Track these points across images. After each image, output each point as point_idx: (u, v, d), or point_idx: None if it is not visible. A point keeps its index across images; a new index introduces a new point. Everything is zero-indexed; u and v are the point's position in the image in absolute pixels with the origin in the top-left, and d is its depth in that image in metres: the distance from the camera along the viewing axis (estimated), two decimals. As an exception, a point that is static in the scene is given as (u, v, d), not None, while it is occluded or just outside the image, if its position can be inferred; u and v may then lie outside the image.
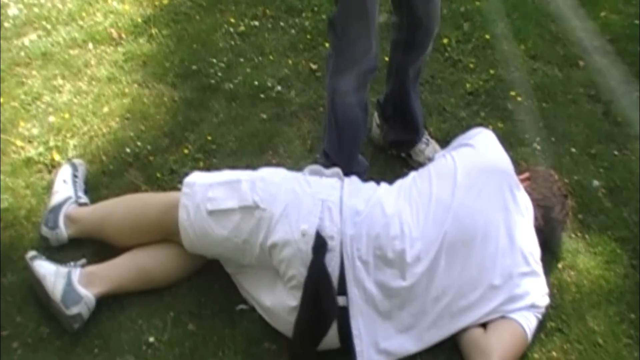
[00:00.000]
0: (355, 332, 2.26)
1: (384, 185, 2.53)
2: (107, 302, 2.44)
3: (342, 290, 2.24)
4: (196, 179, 2.45)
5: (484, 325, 2.38)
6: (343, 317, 2.25)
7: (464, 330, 2.36)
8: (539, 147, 3.18)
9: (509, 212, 2.43)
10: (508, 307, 2.37)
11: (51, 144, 3.00)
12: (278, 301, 2.32)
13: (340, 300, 2.24)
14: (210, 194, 2.37)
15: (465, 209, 2.37)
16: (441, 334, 2.35)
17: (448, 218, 2.34)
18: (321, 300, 2.21)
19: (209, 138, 3.06)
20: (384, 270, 2.28)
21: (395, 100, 2.97)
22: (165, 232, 2.48)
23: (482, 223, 2.36)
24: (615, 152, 3.19)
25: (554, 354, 2.47)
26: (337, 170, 2.53)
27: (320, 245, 2.23)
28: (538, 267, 2.45)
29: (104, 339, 2.38)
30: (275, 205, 2.30)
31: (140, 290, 2.48)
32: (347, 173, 2.57)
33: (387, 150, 3.12)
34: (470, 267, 2.34)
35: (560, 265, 2.71)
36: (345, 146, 2.77)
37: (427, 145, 3.02)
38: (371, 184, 2.53)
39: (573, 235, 2.83)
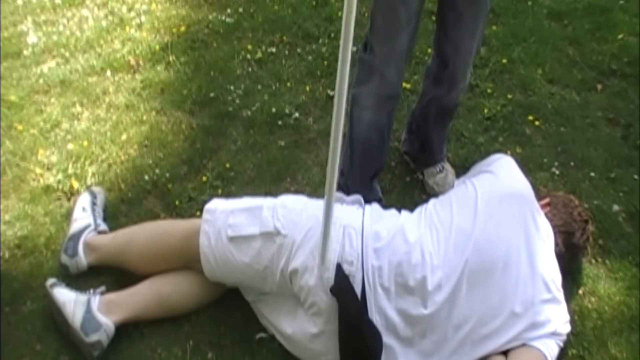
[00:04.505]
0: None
1: (404, 212, 2.53)
2: (127, 330, 2.44)
3: (363, 317, 2.23)
4: (217, 205, 2.45)
5: (505, 353, 2.36)
6: (363, 344, 2.24)
7: (485, 358, 2.35)
8: (557, 172, 3.16)
9: (530, 238, 2.41)
10: (529, 334, 2.35)
11: (70, 171, 3.01)
12: (299, 328, 2.31)
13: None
14: (231, 220, 2.37)
15: (487, 237, 2.36)
16: (462, 362, 2.34)
17: (469, 246, 2.33)
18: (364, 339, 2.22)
19: (227, 165, 3.07)
20: (405, 297, 2.28)
21: (418, 122, 3.02)
22: (185, 259, 2.48)
23: (503, 251, 2.35)
24: (635, 176, 3.17)
25: (576, 381, 2.45)
26: (358, 197, 2.53)
27: (341, 282, 2.23)
28: (559, 294, 2.43)
29: (124, 367, 2.38)
30: (297, 231, 2.30)
31: (159, 318, 2.48)
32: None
33: (402, 156, 3.17)
34: (492, 294, 2.32)
35: (581, 292, 2.70)
36: (357, 166, 2.79)
37: (440, 172, 3.02)
38: (392, 211, 2.52)
39: (594, 261, 2.81)
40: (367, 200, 2.61)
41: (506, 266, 2.34)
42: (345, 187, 2.76)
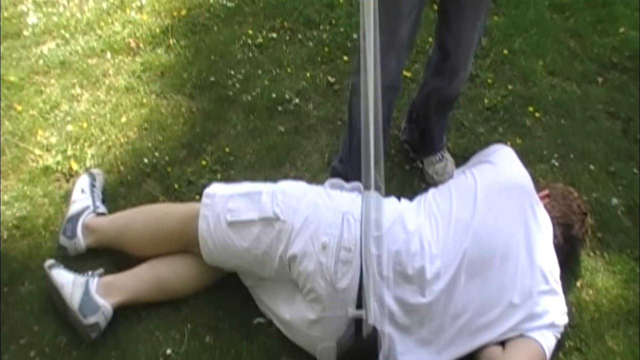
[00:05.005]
0: (374, 346, 2.25)
1: (404, 201, 2.54)
2: (125, 313, 2.44)
3: (361, 304, 2.22)
4: (216, 190, 2.45)
5: (502, 344, 2.38)
6: (362, 331, 2.24)
7: (482, 348, 2.36)
8: (557, 164, 3.17)
9: (529, 229, 2.42)
10: (527, 325, 2.36)
11: (69, 153, 3.00)
12: (297, 314, 2.32)
13: (359, 314, 2.22)
14: (231, 205, 2.37)
15: (486, 227, 2.37)
16: (459, 352, 2.35)
17: (468, 236, 2.34)
18: None
19: (227, 150, 3.06)
20: (404, 286, 2.28)
21: (418, 112, 3.01)
22: (184, 243, 2.48)
23: (502, 241, 2.36)
24: (635, 170, 3.18)
25: (573, 373, 2.46)
26: (357, 184, 2.53)
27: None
28: (557, 285, 2.45)
29: (121, 350, 2.38)
30: (296, 217, 2.30)
31: (157, 301, 2.48)
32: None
33: (402, 144, 3.16)
34: (490, 285, 2.33)
35: (579, 284, 2.71)
36: (356, 154, 2.77)
37: (440, 161, 3.01)
38: (392, 199, 2.53)
39: (592, 254, 2.82)
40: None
41: (505, 257, 2.35)
42: (344, 174, 2.76)
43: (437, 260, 2.30)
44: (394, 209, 2.43)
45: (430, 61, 2.86)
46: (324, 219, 2.30)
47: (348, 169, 2.78)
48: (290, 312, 2.34)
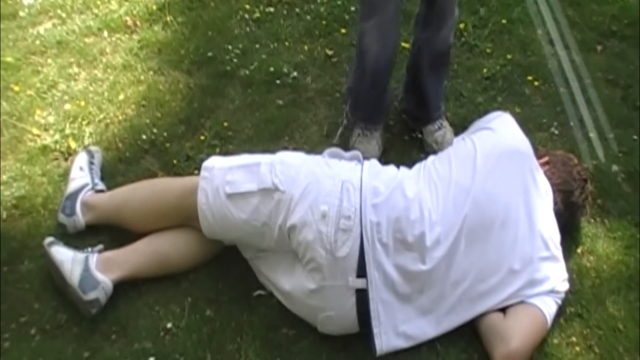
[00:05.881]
0: (373, 314, 2.25)
1: (403, 169, 2.53)
2: (125, 289, 2.44)
3: (362, 272, 2.23)
4: (215, 162, 2.44)
5: (503, 311, 2.37)
6: (362, 300, 2.25)
7: (483, 315, 2.36)
8: (557, 132, 3.15)
9: (529, 195, 2.41)
10: (527, 291, 2.36)
11: (67, 131, 2.99)
12: (297, 284, 2.31)
13: (360, 283, 2.23)
14: (229, 177, 2.37)
15: (485, 193, 2.36)
16: (460, 319, 2.35)
17: (468, 202, 2.33)
18: None
19: (225, 124, 3.05)
20: (404, 253, 2.27)
21: (413, 75, 3.01)
22: (183, 217, 2.47)
23: (502, 207, 2.35)
24: (635, 137, 3.16)
25: (574, 339, 2.46)
26: (356, 153, 2.53)
27: None
28: (558, 252, 2.44)
29: (121, 325, 2.38)
30: (295, 187, 2.29)
31: (157, 276, 2.48)
32: (366, 117, 2.79)
33: (401, 115, 3.16)
34: (490, 251, 2.33)
35: (579, 251, 2.70)
36: (367, 84, 2.85)
37: (439, 130, 2.99)
38: (391, 167, 2.52)
39: (592, 220, 2.81)
40: (373, 122, 2.80)
41: (505, 223, 2.34)
42: (355, 103, 2.91)
43: (437, 226, 2.29)
44: (393, 177, 2.42)
45: (418, 18, 2.87)
46: (323, 188, 2.29)
47: (360, 100, 2.91)
48: (290, 283, 2.34)
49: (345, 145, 2.89)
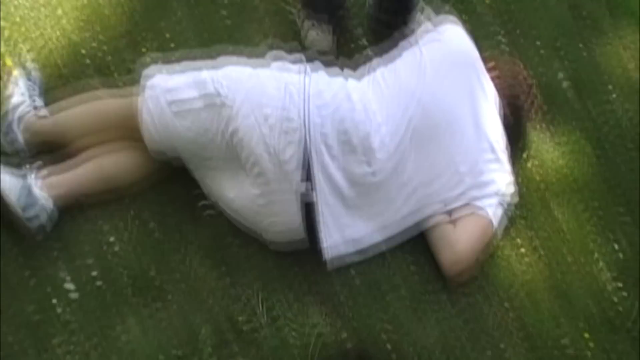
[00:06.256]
0: (319, 218, 2.26)
1: (347, 71, 2.51)
2: (67, 206, 2.38)
3: (307, 176, 2.22)
4: (155, 71, 2.40)
5: (449, 215, 2.40)
6: (308, 204, 2.24)
7: (433, 227, 2.39)
8: (504, 40, 3.11)
9: (475, 99, 2.43)
10: (474, 193, 2.39)
11: (2, 49, 2.88)
12: (241, 191, 2.29)
13: (305, 187, 2.23)
14: (171, 84, 2.32)
15: (431, 96, 2.36)
16: (407, 223, 2.37)
17: (413, 104, 2.33)
18: None
19: (167, 36, 2.95)
20: (349, 156, 2.27)
21: None
22: (125, 130, 2.42)
23: (448, 109, 2.36)
24: (581, 45, 3.15)
25: (519, 241, 2.51)
26: (300, 55, 2.50)
27: None
28: (504, 155, 2.46)
29: (63, 242, 2.34)
30: (237, 92, 2.25)
31: (100, 194, 2.41)
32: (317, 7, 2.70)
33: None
34: (436, 153, 2.34)
35: (525, 156, 2.72)
36: None
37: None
38: (335, 69, 2.50)
39: (538, 127, 2.82)
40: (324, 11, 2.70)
41: (450, 125, 2.35)
42: None
43: (383, 128, 2.29)
44: (338, 79, 2.40)
45: None
46: (266, 92, 2.26)
47: None
48: (234, 190, 2.31)
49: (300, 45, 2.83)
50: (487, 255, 2.45)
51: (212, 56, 2.45)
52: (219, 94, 2.26)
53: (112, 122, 2.46)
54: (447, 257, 2.35)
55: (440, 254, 2.37)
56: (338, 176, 2.26)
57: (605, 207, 2.69)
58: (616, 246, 2.59)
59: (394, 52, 2.64)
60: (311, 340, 2.17)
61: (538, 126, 2.81)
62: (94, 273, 2.26)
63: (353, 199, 2.29)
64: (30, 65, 2.77)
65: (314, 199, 2.24)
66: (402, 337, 2.22)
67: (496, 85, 2.54)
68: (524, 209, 2.56)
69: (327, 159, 2.24)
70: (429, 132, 2.33)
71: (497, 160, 2.42)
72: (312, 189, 2.23)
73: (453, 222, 2.41)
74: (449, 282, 2.40)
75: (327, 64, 2.51)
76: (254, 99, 2.24)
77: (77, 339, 2.12)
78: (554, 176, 2.68)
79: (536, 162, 2.70)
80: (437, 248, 2.39)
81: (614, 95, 3.01)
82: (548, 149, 2.74)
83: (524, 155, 2.70)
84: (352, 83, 2.39)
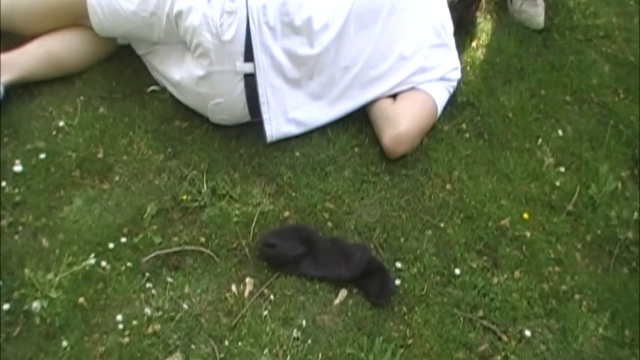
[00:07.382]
0: (262, 99, 2.27)
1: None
2: (17, 92, 2.37)
3: (250, 57, 2.21)
4: None
5: (394, 97, 2.41)
6: (251, 85, 2.25)
7: (373, 101, 2.39)
8: None
9: (419, -18, 2.40)
10: (418, 78, 2.39)
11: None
12: (187, 73, 2.29)
13: (248, 67, 2.22)
14: None
15: (374, -23, 2.33)
16: (351, 105, 2.39)
17: (356, -15, 2.30)
18: None
19: None
20: (292, 37, 2.26)
21: None
22: (74, 15, 2.39)
23: (390, -8, 2.34)
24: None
25: (464, 126, 2.52)
26: None
27: None
28: (450, 40, 2.46)
29: (13, 128, 2.32)
30: None
31: (50, 78, 2.42)
32: None
33: None
34: (380, 37, 2.33)
35: (474, 44, 2.74)
36: None
37: None
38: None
39: (488, 17, 2.83)
40: None
41: (394, 8, 2.34)
42: None
43: (325, 10, 2.27)
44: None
45: None
46: None
47: None
48: (180, 73, 2.32)
49: None
50: (428, 136, 2.46)
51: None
52: None
53: (61, 8, 2.42)
54: (389, 135, 2.35)
55: (383, 132, 2.37)
56: (281, 57, 2.25)
57: (552, 95, 2.71)
58: (560, 132, 2.62)
59: None
60: (254, 217, 2.20)
61: (488, 16, 2.82)
62: (43, 155, 2.25)
63: (296, 80, 2.30)
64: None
65: (257, 80, 2.24)
66: (343, 216, 2.24)
67: (445, -29, 2.52)
68: (471, 95, 2.58)
69: (269, 39, 2.23)
70: (371, 15, 2.32)
71: (443, 44, 2.43)
72: (254, 70, 2.23)
73: (393, 96, 2.42)
74: (390, 156, 2.39)
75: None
76: None
77: (26, 219, 2.13)
78: (501, 64, 2.70)
79: (485, 51, 2.72)
80: (378, 125, 2.40)
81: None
82: (497, 38, 2.77)
83: (473, 44, 2.73)
84: None
